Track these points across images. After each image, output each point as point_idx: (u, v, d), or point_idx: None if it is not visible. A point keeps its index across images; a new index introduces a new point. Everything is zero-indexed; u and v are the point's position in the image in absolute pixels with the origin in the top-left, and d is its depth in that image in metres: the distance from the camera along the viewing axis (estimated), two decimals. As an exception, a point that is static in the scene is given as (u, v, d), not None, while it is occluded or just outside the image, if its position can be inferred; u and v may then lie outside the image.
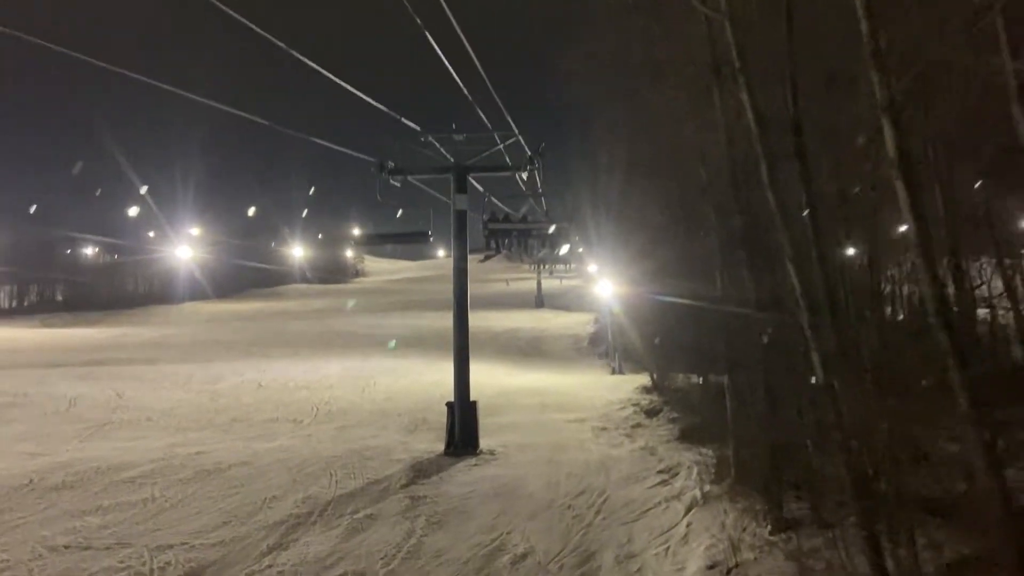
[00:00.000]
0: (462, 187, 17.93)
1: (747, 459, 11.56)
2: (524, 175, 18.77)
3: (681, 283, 18.08)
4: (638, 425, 19.65)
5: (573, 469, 14.91)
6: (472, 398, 18.22)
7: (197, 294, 59.23)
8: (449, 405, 17.43)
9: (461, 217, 18.10)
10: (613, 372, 29.66)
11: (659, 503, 12.23)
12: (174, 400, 23.60)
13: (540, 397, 24.51)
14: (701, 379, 19.91)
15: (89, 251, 68.65)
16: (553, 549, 10.62)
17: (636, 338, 27.81)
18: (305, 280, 73.79)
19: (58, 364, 31.59)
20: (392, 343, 36.20)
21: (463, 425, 16.88)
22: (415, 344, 37.84)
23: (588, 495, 13.02)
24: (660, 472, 14.15)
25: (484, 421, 20.07)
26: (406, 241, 20.76)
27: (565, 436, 18.74)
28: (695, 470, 13.83)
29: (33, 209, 63.73)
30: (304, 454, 16.09)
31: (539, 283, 56.96)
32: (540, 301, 54.25)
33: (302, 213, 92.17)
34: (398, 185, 18.10)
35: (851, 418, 7.81)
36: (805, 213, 8.22)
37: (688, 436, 17.28)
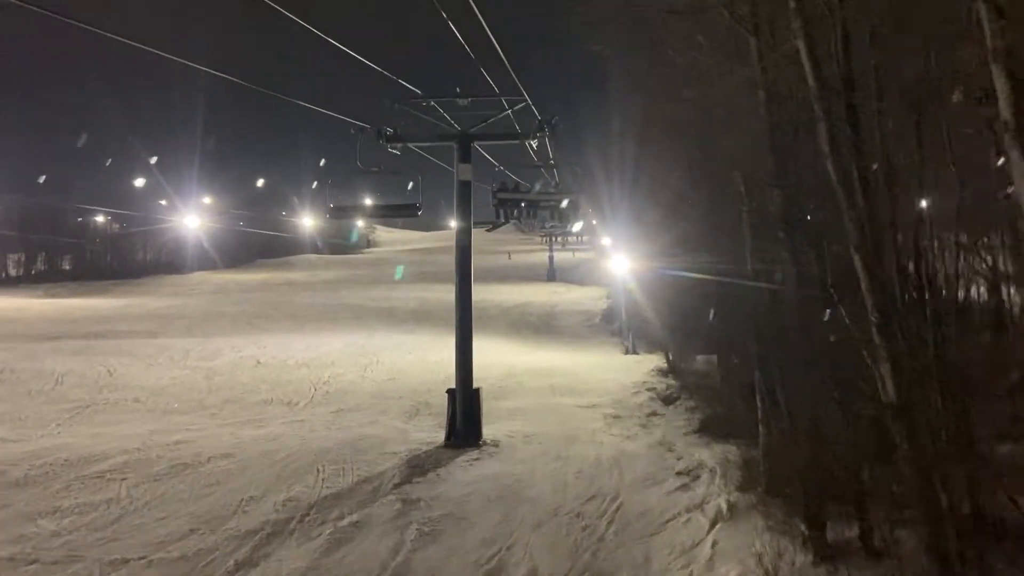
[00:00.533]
0: (466, 156, 16.35)
1: (781, 469, 10.08)
2: (534, 143, 17.15)
3: (702, 259, 16.52)
4: (654, 414, 18.20)
5: (583, 466, 13.49)
6: (477, 383, 16.78)
7: (206, 264, 58.09)
8: (450, 393, 16.00)
9: (465, 189, 16.55)
10: (626, 352, 28.18)
11: (679, 513, 10.80)
12: (167, 378, 22.35)
13: (550, 379, 23.09)
14: (722, 364, 18.37)
15: (100, 219, 67.57)
16: (559, 570, 9.23)
17: (652, 316, 26.27)
18: (315, 250, 72.47)
19: (56, 336, 30.46)
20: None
21: (465, 415, 15.47)
22: (423, 318, 36.47)
23: (599, 500, 11.60)
24: (679, 474, 12.70)
25: (490, 405, 18.74)
26: (392, 215, 19.19)
27: (575, 425, 17.33)
28: (718, 473, 12.39)
29: (42, 180, 62.60)
30: (293, 445, 14.75)
31: (551, 256, 55.37)
32: (552, 274, 52.73)
33: (312, 183, 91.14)
34: (397, 153, 16.55)
35: (926, 442, 6.33)
36: (868, 190, 6.68)
37: (709, 428, 15.82)
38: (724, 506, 10.63)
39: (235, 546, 9.78)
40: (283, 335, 30.91)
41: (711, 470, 12.68)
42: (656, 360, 24.85)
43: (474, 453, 14.64)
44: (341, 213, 17.93)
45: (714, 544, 9.49)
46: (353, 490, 12.16)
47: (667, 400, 19.36)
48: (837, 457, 8.65)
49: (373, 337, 30.70)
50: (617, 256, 28.87)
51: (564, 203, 21.07)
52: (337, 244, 76.83)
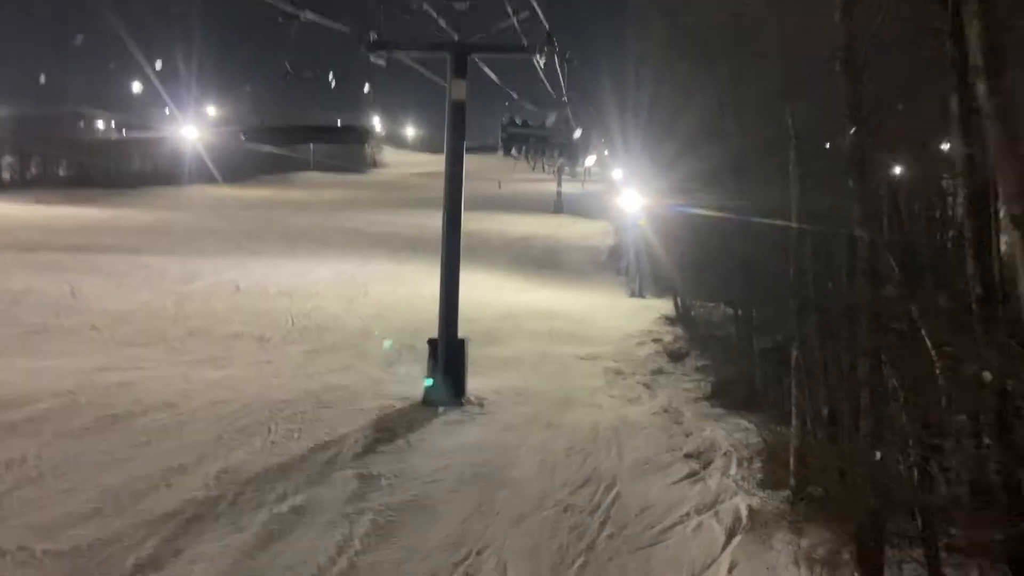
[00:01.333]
0: (461, 70, 13.91)
1: (819, 479, 8.07)
2: (541, 60, 14.65)
3: (723, 195, 14.29)
4: (659, 371, 16.22)
5: (577, 439, 11.55)
6: (472, 322, 14.84)
7: (205, 177, 55.55)
8: (432, 343, 13.97)
9: (458, 109, 14.18)
10: (633, 295, 26.01)
11: (688, 515, 8.85)
12: (134, 302, 20.36)
13: (550, 322, 21.05)
14: (741, 321, 16.17)
15: (100, 125, 64.77)
16: (537, 592, 7.34)
17: (662, 257, 24.06)
18: (319, 168, 69.78)
19: (32, 247, 28.39)
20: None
21: (447, 369, 13.45)
22: (421, 248, 34.18)
23: (593, 488, 9.67)
24: (688, 457, 10.75)
25: (483, 352, 16.82)
26: (333, 140, 16.83)
27: (573, 381, 15.39)
28: (734, 460, 10.42)
29: (43, 79, 59.70)
30: (248, 394, 12.80)
31: (559, 187, 52.69)
32: (559, 206, 50.05)
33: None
34: (382, 64, 14.09)
35: None
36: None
37: (722, 395, 13.86)
38: (744, 511, 8.67)
39: (142, 536, 7.87)
40: (271, 259, 28.79)
41: (725, 454, 10.72)
42: (664, 306, 22.74)
43: (455, 414, 12.71)
44: (263, 136, 15.54)
45: (731, 569, 7.54)
46: (305, 460, 10.25)
47: (675, 356, 17.35)
48: (901, 478, 6.58)
49: (366, 266, 28.59)
50: (628, 191, 26.44)
51: (576, 134, 19.15)
52: (342, 164, 74.18)
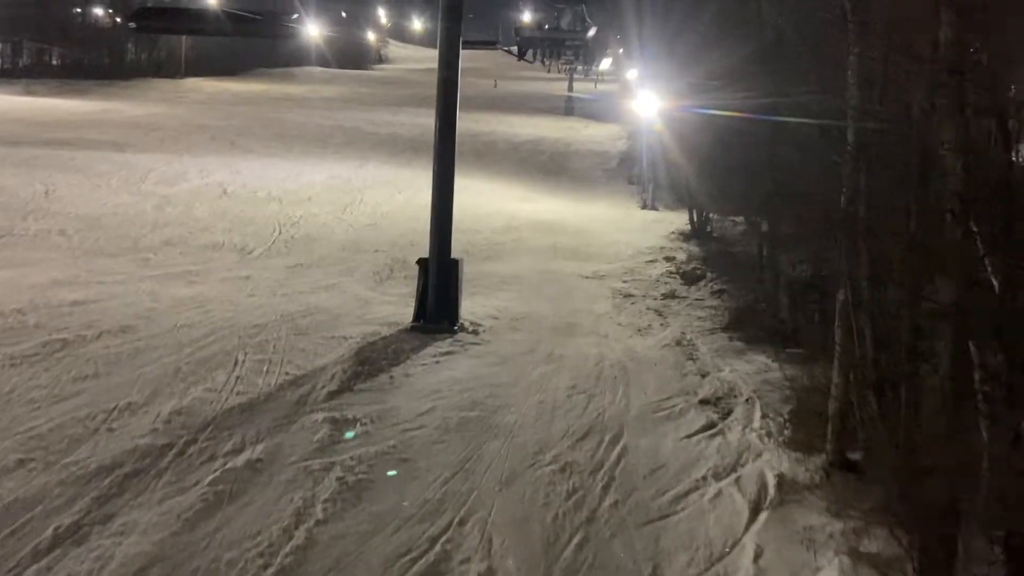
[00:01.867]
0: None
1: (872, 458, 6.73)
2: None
3: (748, 94, 12.58)
4: (672, 295, 14.81)
5: (579, 377, 10.27)
6: (474, 233, 13.99)
7: (202, 69, 52.96)
8: (421, 263, 12.55)
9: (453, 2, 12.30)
10: (644, 206, 24.35)
11: (704, 479, 7.61)
12: (111, 205, 18.92)
13: (555, 236, 19.56)
14: (766, 238, 14.54)
15: (99, 12, 61.43)
16: (526, 578, 6.18)
17: (678, 164, 22.30)
18: (323, 63, 66.63)
19: (13, 142, 26.65)
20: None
21: (439, 292, 12.07)
22: (422, 150, 32.23)
23: (595, 441, 8.41)
24: (704, 403, 9.46)
25: (482, 268, 15.56)
26: (244, 33, 15.09)
27: (577, 304, 14.05)
28: (758, 409, 9.15)
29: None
30: (218, 317, 11.51)
31: (570, 87, 49.94)
32: (570, 108, 47.31)
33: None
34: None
35: None
36: None
37: (742, 325, 12.50)
38: (771, 478, 7.42)
39: (69, 497, 6.69)
40: (263, 159, 27.08)
41: (747, 401, 9.45)
42: (679, 220, 21.11)
43: (444, 343, 11.39)
44: (151, 23, 13.75)
45: (756, 558, 6.33)
46: (272, 399, 9.01)
47: (689, 278, 15.88)
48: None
49: (363, 168, 26.89)
50: (643, 92, 24.34)
51: (591, 33, 17.35)
52: (345, 58, 71.03)
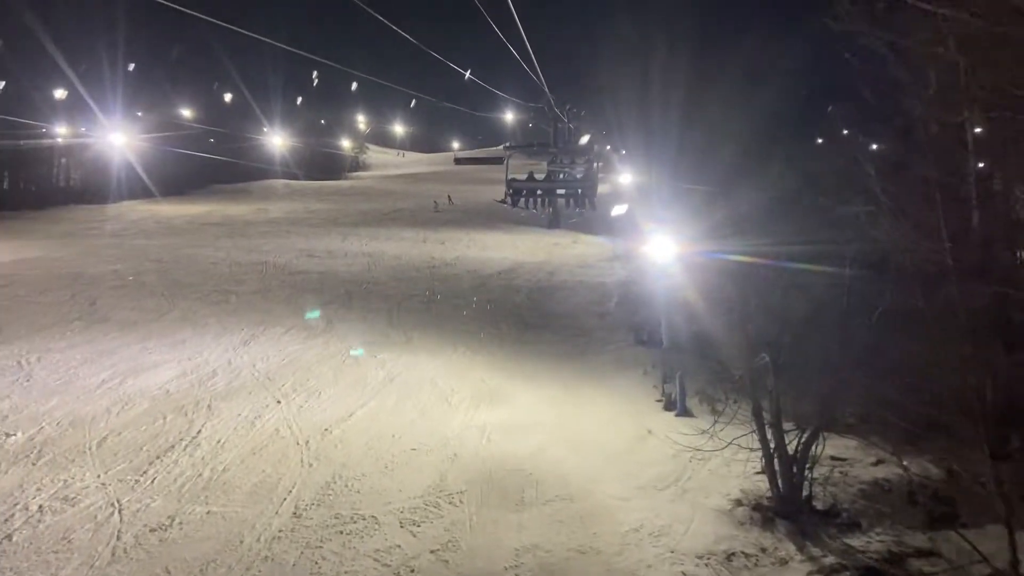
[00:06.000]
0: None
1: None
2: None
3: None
4: None
5: None
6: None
7: (140, 192, 44.24)
8: None
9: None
10: (667, 405, 14.69)
11: None
12: None
13: (518, 515, 9.88)
14: None
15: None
16: None
17: (721, 338, 12.73)
18: (289, 175, 58.29)
19: None
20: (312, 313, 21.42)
21: None
22: (358, 298, 23.08)
23: None
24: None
25: None
26: None
27: None
28: None
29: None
30: None
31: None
32: (555, 220, 38.28)
33: (297, 99, 76.45)
34: None
35: None
36: None
37: None
38: None
39: None
40: (105, 339, 17.54)
41: None
42: (741, 456, 11.40)
43: None
44: None
45: None
46: None
47: None
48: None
49: (247, 347, 17.44)
50: (656, 235, 14.92)
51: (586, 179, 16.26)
52: (316, 168, 63.20)
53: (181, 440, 12.10)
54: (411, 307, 22.31)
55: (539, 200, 20.37)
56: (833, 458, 11.33)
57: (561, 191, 25.50)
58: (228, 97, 67.23)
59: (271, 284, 24.60)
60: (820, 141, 19.10)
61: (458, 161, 43.74)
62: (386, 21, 11.75)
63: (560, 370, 17.20)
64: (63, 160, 44.69)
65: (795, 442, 10.37)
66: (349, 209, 43.29)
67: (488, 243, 33.27)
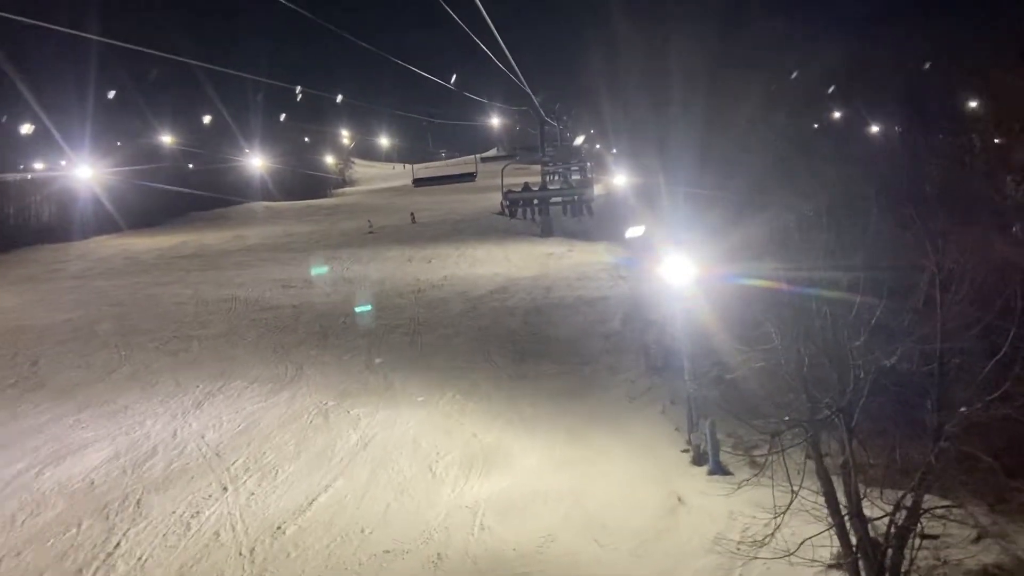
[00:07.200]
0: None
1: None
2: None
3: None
4: None
5: None
6: None
7: (107, 226, 41.58)
8: None
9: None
10: (695, 460, 12.04)
11: None
12: None
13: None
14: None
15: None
16: None
17: (757, 384, 10.12)
18: (270, 196, 55.57)
19: None
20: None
21: None
22: (336, 334, 20.45)
23: None
24: None
25: None
26: None
27: None
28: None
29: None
30: None
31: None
32: (548, 227, 35.61)
33: (280, 116, 73.86)
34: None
35: None
36: None
37: None
38: None
39: None
40: (22, 422, 14.88)
41: None
42: (802, 529, 8.76)
43: None
44: None
45: None
46: None
47: None
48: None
49: (196, 414, 14.80)
50: (670, 256, 12.24)
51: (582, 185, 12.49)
52: (300, 187, 60.58)
53: (93, 560, 9.45)
54: (393, 342, 19.66)
55: (536, 209, 19.25)
56: (921, 536, 8.68)
57: (557, 200, 24.28)
58: (208, 119, 64.57)
59: (239, 324, 21.93)
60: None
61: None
62: (369, 46, 9.88)
63: (564, 413, 14.59)
64: (36, 197, 41.80)
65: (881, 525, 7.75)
66: (331, 230, 40.63)
67: (479, 257, 30.58)
